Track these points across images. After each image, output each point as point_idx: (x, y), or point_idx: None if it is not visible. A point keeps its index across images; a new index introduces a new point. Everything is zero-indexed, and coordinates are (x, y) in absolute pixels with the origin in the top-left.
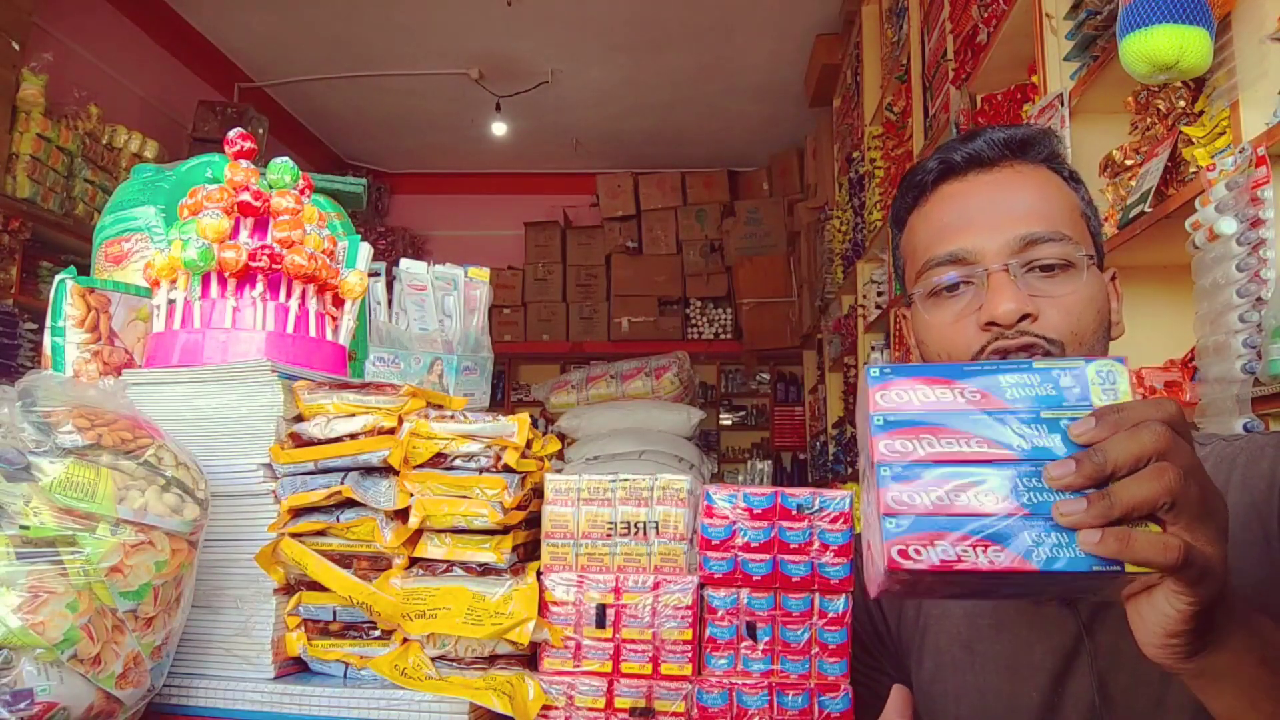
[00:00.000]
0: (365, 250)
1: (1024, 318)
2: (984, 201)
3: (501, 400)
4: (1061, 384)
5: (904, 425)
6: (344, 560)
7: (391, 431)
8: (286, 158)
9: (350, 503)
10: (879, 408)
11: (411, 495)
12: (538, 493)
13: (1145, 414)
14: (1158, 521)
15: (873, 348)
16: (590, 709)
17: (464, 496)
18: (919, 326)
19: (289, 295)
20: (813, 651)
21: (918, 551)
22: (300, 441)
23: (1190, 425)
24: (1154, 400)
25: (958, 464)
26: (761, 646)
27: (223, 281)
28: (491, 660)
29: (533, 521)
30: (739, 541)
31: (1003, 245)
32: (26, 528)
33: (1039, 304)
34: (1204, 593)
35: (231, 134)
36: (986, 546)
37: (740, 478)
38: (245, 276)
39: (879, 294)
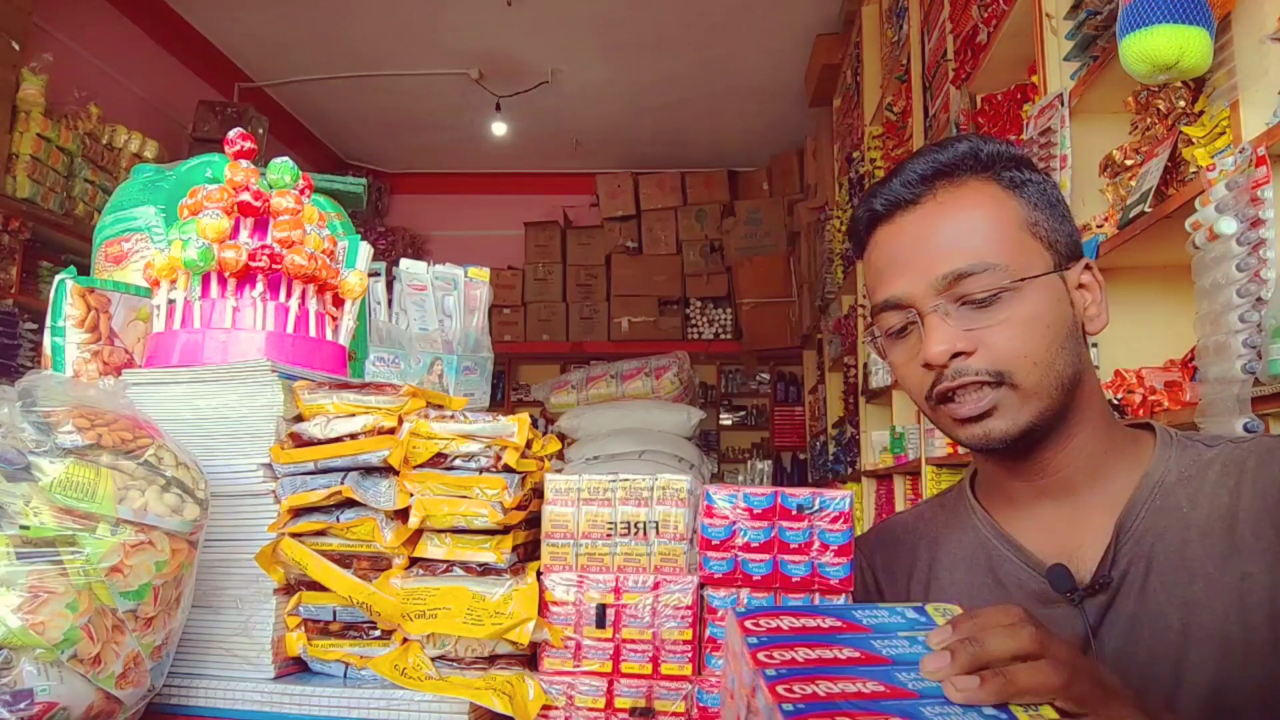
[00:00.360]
0: (365, 250)
1: (956, 355)
2: (909, 242)
3: (501, 400)
4: (907, 616)
5: (776, 643)
6: (344, 560)
7: (391, 431)
8: (286, 158)
9: (350, 503)
10: (750, 631)
11: (411, 495)
12: (538, 493)
13: (1008, 618)
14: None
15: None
16: (590, 709)
17: (464, 496)
18: (888, 363)
19: (289, 295)
20: None
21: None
22: (300, 441)
23: (1189, 425)
24: (1003, 606)
25: (836, 666)
26: None
27: (223, 281)
28: (491, 660)
29: (533, 521)
30: (739, 541)
31: (929, 286)
32: (26, 528)
33: (977, 337)
34: None
35: (231, 134)
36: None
37: (740, 478)
38: (245, 276)
39: None
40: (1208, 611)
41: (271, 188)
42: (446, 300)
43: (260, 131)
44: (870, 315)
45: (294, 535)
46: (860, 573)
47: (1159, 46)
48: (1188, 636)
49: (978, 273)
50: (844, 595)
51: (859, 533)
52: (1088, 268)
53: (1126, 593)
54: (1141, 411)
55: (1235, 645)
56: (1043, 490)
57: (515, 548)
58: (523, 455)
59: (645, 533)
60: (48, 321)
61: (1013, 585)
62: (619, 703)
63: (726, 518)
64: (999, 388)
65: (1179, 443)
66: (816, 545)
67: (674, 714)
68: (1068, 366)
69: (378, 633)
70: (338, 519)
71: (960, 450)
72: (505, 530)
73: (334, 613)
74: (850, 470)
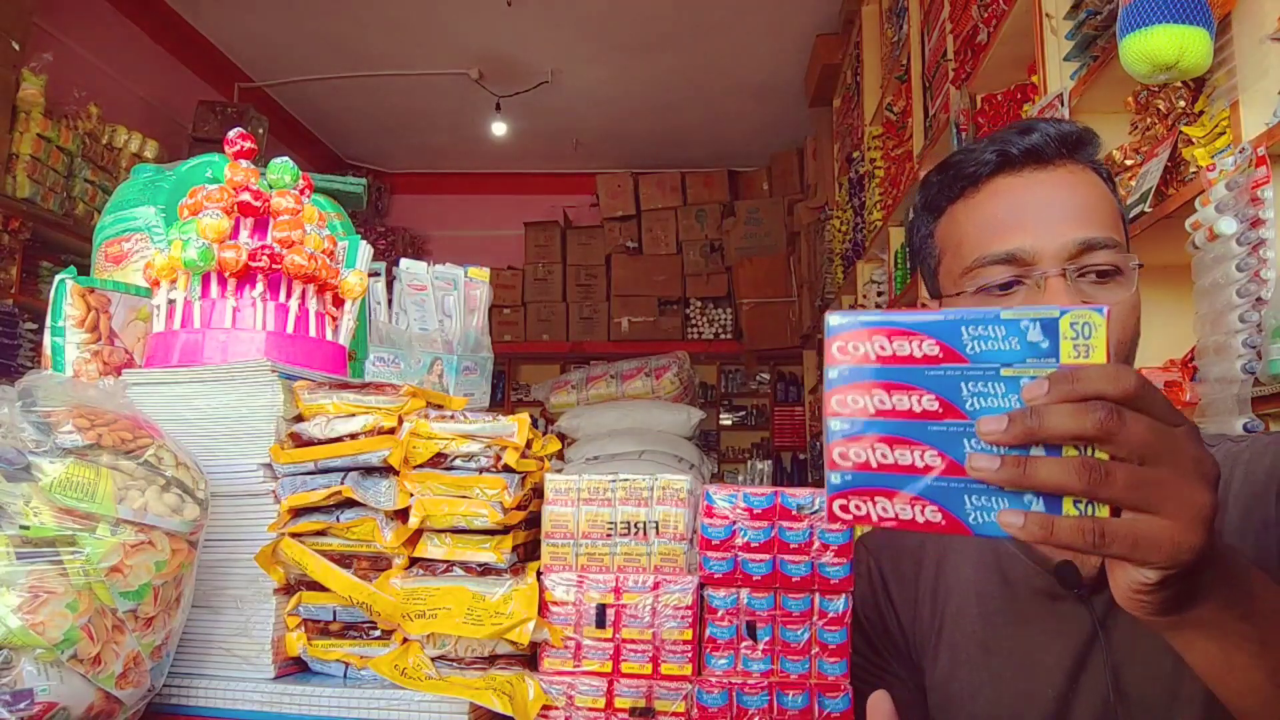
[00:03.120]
0: (365, 250)
1: None
2: (1041, 200)
3: (501, 400)
4: (1029, 338)
5: (858, 379)
6: (344, 560)
7: (391, 431)
8: (286, 158)
9: (350, 503)
10: (834, 360)
11: (411, 495)
12: (538, 493)
13: (1100, 388)
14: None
15: None
16: (590, 709)
17: (464, 496)
18: None
19: (289, 295)
20: (813, 651)
21: (858, 506)
22: (300, 441)
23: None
24: (1114, 370)
25: (906, 420)
26: (762, 646)
27: (223, 281)
28: (491, 660)
29: (533, 521)
30: (739, 541)
31: (1060, 249)
32: (26, 528)
33: None
34: (1165, 565)
35: (231, 134)
36: (924, 505)
37: (740, 478)
38: (245, 276)
39: (879, 294)
40: None
41: (271, 188)
42: (446, 300)
43: (260, 131)
44: (967, 265)
45: (294, 535)
46: (866, 573)
47: (1159, 46)
48: None
49: (1106, 246)
50: (844, 595)
51: (860, 533)
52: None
53: None
54: None
55: None
56: None
57: (515, 548)
58: (523, 455)
59: (645, 533)
60: (48, 321)
61: (1020, 583)
62: (619, 703)
63: (726, 518)
64: None
65: None
66: (816, 545)
67: (674, 714)
68: (1132, 365)
69: (378, 633)
70: (338, 519)
71: None
72: (505, 530)
73: (334, 613)
74: None
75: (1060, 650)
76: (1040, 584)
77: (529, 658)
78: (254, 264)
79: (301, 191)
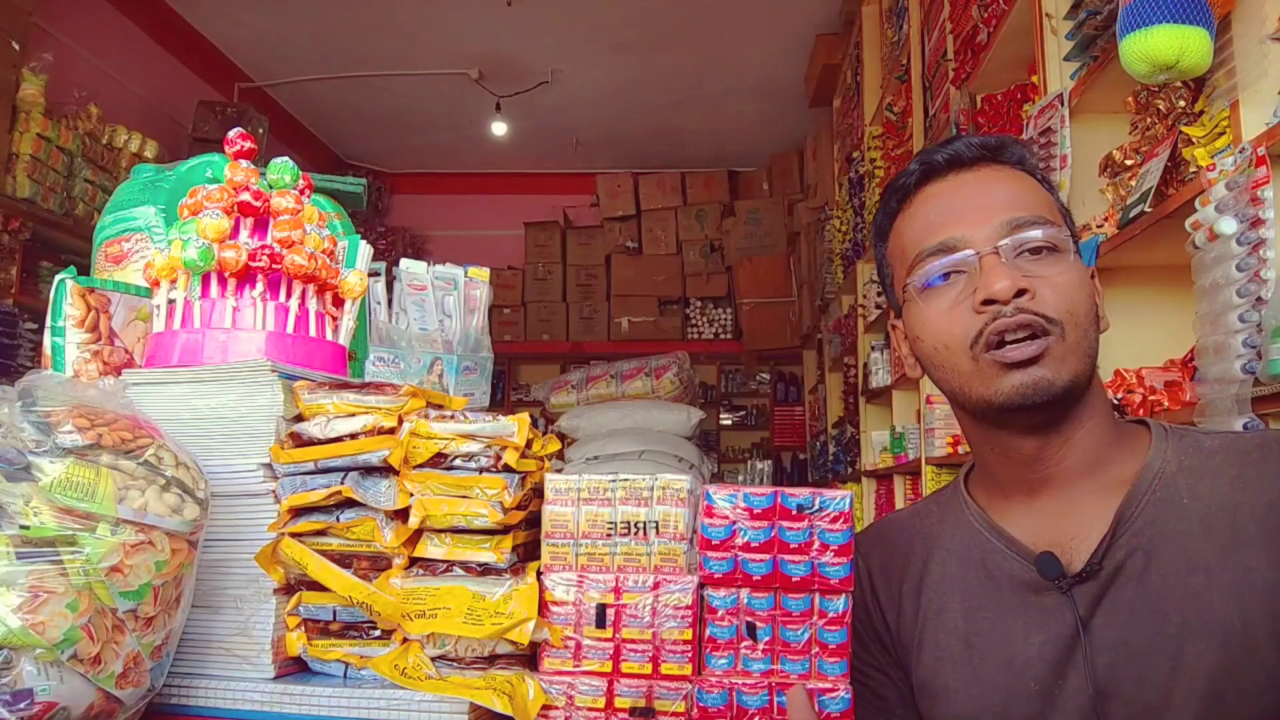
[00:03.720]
0: (365, 250)
1: (1020, 294)
2: (968, 195)
3: (501, 400)
4: None
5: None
6: (344, 560)
7: (391, 431)
8: (286, 158)
9: (350, 503)
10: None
11: (411, 495)
12: (538, 492)
13: None
14: None
15: (873, 347)
16: (590, 709)
17: (464, 496)
18: (914, 322)
19: (289, 295)
20: (813, 651)
21: None
22: (300, 441)
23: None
24: None
25: None
26: (761, 646)
27: (223, 281)
28: (491, 660)
29: (533, 521)
30: (739, 541)
31: (990, 231)
32: (26, 528)
33: (1033, 283)
34: None
35: (231, 134)
36: None
37: (740, 478)
38: (245, 276)
39: (879, 294)
40: (1207, 604)
41: (271, 188)
42: (446, 300)
43: (260, 131)
44: (909, 264)
45: (294, 535)
46: (855, 573)
47: (1159, 46)
48: (1186, 628)
49: (1037, 224)
50: (844, 595)
51: (859, 532)
52: (1093, 275)
53: (1125, 583)
54: (1142, 411)
55: (1234, 638)
56: (1041, 481)
57: (515, 548)
58: (523, 455)
59: (645, 533)
60: (48, 321)
61: (1003, 576)
62: (619, 703)
63: (726, 517)
64: (1048, 335)
65: (1175, 434)
66: (816, 545)
67: (674, 714)
68: (1094, 344)
69: (378, 633)
70: (338, 519)
71: (961, 449)
72: (505, 530)
73: (334, 613)
74: (850, 470)
75: (1043, 645)
76: (1023, 577)
77: (529, 658)
78: (254, 264)
79: (301, 191)
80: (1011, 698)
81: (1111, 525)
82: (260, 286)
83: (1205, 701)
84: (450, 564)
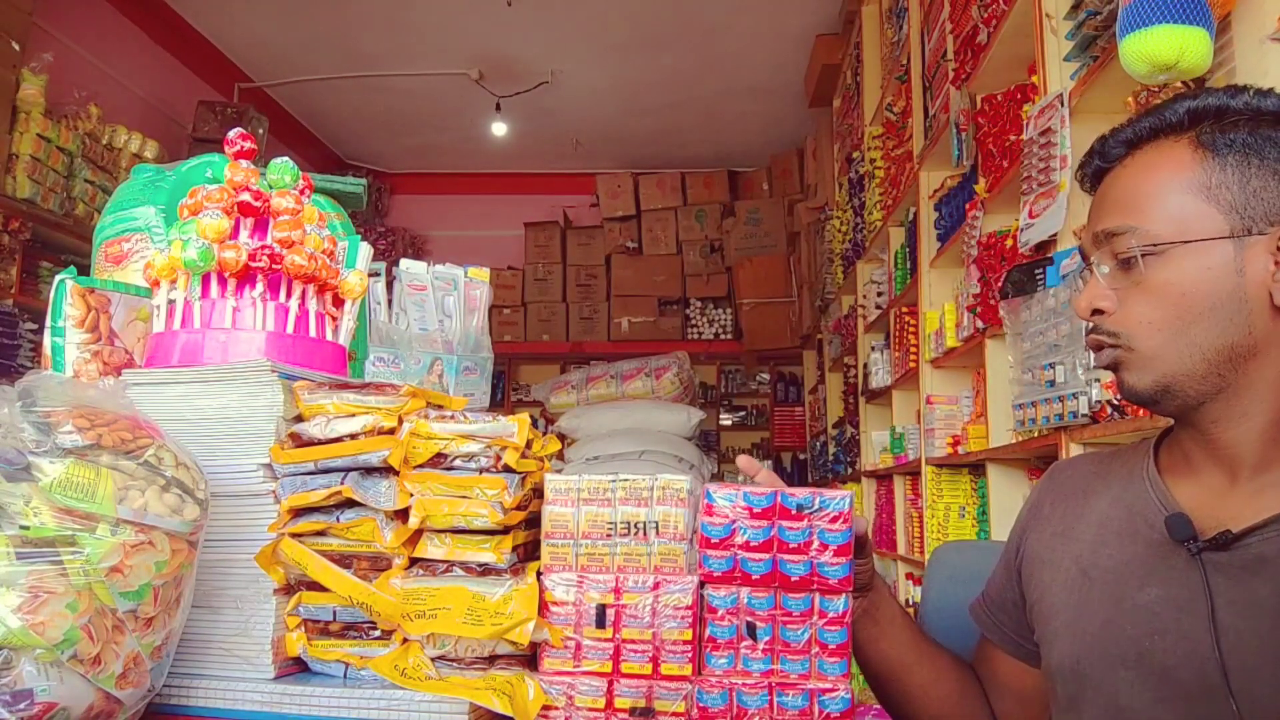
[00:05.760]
0: (365, 250)
1: (1096, 313)
2: (1095, 200)
3: (501, 400)
4: None
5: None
6: (344, 560)
7: (391, 432)
8: (286, 158)
9: (350, 503)
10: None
11: (411, 495)
12: (538, 493)
13: None
14: None
15: (873, 348)
16: (590, 709)
17: (464, 497)
18: None
19: (289, 295)
20: (813, 651)
21: None
22: (300, 441)
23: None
24: None
25: None
26: (761, 646)
27: (223, 281)
28: (491, 660)
29: (533, 521)
30: (739, 540)
31: (1090, 241)
32: (26, 528)
33: (1117, 297)
34: None
35: (231, 134)
36: None
37: (740, 477)
38: (245, 276)
39: (879, 294)
40: None
41: (271, 188)
42: (446, 300)
43: (260, 131)
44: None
45: (294, 535)
46: (1029, 502)
47: (1159, 46)
48: None
49: (1120, 234)
50: (843, 595)
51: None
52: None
53: (1271, 575)
54: None
55: None
56: (1218, 460)
57: (515, 548)
58: (523, 455)
59: (645, 533)
60: (48, 321)
61: (1142, 525)
62: (619, 703)
63: (726, 516)
64: (1115, 349)
65: None
66: (816, 545)
67: (674, 714)
68: (1215, 337)
69: (378, 633)
70: (338, 519)
71: (960, 450)
72: (505, 530)
73: (334, 613)
74: (850, 470)
75: (1157, 599)
76: (1157, 537)
77: (529, 658)
78: (254, 264)
79: (301, 191)
80: (1107, 631)
81: (1273, 517)
82: (260, 287)
83: None
84: (450, 564)
